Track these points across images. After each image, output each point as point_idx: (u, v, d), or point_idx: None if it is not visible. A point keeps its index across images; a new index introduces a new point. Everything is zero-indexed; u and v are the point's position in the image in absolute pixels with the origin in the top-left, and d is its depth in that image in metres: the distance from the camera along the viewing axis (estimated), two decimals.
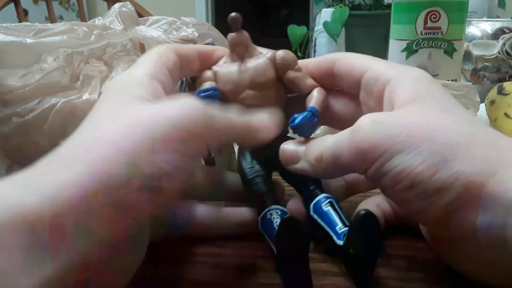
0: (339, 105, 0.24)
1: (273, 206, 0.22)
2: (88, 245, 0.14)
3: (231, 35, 0.23)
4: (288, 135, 0.24)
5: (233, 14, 0.23)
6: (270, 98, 0.23)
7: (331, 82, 0.24)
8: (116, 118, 0.17)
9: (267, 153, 0.23)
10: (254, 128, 0.21)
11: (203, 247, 0.24)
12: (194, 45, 0.23)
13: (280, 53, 0.23)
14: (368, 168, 0.18)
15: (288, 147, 0.22)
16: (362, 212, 0.18)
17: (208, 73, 0.24)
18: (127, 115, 0.17)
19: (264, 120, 0.21)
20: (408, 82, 0.20)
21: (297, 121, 0.22)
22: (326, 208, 0.22)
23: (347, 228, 0.20)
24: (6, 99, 0.30)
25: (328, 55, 0.24)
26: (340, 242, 0.20)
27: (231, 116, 0.20)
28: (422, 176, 0.17)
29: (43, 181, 0.14)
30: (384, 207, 0.24)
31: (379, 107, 0.21)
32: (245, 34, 0.23)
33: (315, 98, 0.23)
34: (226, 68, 0.23)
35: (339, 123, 0.25)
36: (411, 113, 0.19)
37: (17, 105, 0.30)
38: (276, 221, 0.21)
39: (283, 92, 0.24)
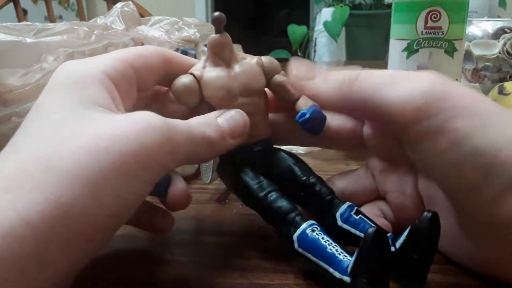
0: (337, 121, 0.23)
1: (310, 222, 0.19)
2: (48, 275, 0.14)
3: (214, 36, 0.21)
4: (275, 146, 0.23)
5: (216, 13, 0.21)
6: (261, 106, 0.22)
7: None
8: (73, 135, 0.16)
9: (259, 168, 0.21)
10: (227, 133, 0.20)
11: (204, 247, 0.24)
12: (156, 47, 0.21)
13: (266, 58, 0.22)
14: (419, 121, 0.18)
15: (296, 65, 0.22)
16: (428, 214, 0.17)
17: (187, 79, 0.21)
18: (84, 133, 0.16)
19: (236, 120, 0.20)
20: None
21: (308, 114, 0.21)
22: (358, 216, 0.20)
23: (390, 233, 0.19)
24: (6, 98, 0.30)
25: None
26: (392, 248, 0.18)
27: (196, 129, 0.19)
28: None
29: None
30: (388, 213, 0.23)
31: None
32: (229, 36, 0.22)
33: (309, 100, 0.22)
34: (213, 73, 0.21)
35: (337, 143, 0.24)
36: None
37: (17, 104, 0.30)
38: (323, 237, 0.18)
39: (267, 99, 0.23)
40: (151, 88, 0.22)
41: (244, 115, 0.21)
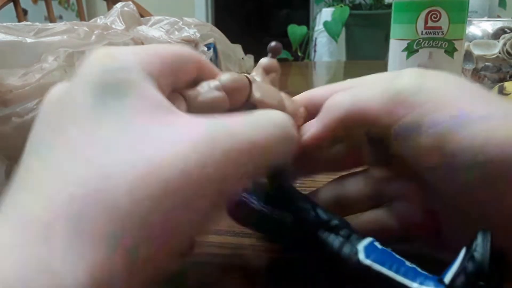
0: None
1: (368, 237, 0.17)
2: None
3: (273, 60, 0.23)
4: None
5: (274, 43, 0.23)
6: None
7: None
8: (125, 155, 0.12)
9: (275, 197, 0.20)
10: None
11: (204, 247, 0.24)
12: (191, 50, 0.19)
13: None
14: (395, 121, 0.17)
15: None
16: (483, 235, 0.14)
17: (240, 75, 0.20)
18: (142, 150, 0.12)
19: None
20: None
21: None
22: (385, 247, 0.17)
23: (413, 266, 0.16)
24: (6, 98, 0.30)
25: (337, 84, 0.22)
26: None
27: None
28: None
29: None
30: (389, 221, 0.21)
31: None
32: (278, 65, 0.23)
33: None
34: (263, 82, 0.22)
35: (329, 165, 0.22)
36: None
37: (17, 104, 0.30)
38: (387, 248, 0.17)
39: None
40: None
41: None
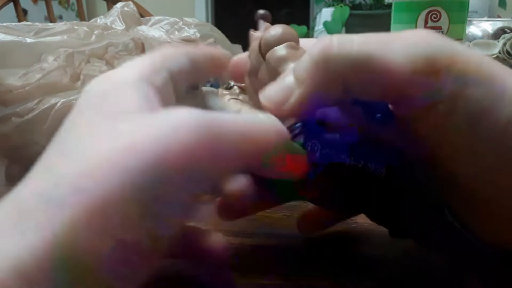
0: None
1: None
2: None
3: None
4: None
5: (262, 11, 0.22)
6: None
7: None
8: (86, 153, 0.13)
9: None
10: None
11: None
12: (185, 48, 0.19)
13: None
14: (421, 91, 0.14)
15: (272, 89, 0.16)
16: None
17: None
18: (100, 148, 0.13)
19: None
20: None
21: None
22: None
23: None
24: (6, 98, 0.30)
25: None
26: None
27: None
28: None
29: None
30: None
31: None
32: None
33: None
34: None
35: None
36: None
37: (17, 105, 0.30)
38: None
39: None
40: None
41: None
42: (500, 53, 0.54)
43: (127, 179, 0.12)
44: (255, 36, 0.19)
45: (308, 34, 1.48)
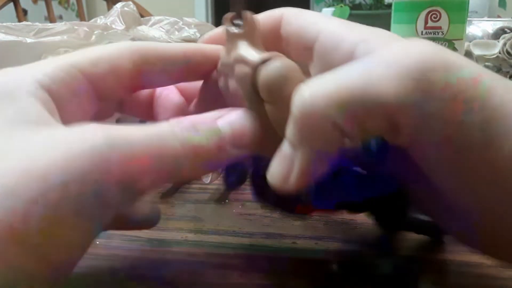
0: None
1: None
2: None
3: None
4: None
5: None
6: None
7: (277, 46, 0.18)
8: None
9: None
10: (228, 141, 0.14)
11: (205, 247, 0.24)
12: (129, 45, 0.17)
13: None
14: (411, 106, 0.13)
15: (273, 169, 0.14)
16: None
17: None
18: None
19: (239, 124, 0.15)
20: (383, 42, 0.15)
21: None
22: None
23: None
24: None
25: (273, 11, 0.18)
26: None
27: (175, 136, 0.13)
28: None
29: None
30: None
31: None
32: None
33: None
34: None
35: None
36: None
37: None
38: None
39: None
40: (123, 94, 0.18)
41: (254, 118, 0.15)
42: (500, 53, 0.54)
43: (19, 207, 0.11)
44: (243, 55, 0.15)
45: None
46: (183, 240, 0.24)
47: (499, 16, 0.82)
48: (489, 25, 0.56)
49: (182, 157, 0.13)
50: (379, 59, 0.13)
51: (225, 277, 0.21)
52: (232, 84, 0.16)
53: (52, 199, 0.11)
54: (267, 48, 0.16)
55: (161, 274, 0.21)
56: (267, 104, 0.14)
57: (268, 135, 0.15)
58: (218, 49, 0.18)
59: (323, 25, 0.16)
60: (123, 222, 0.19)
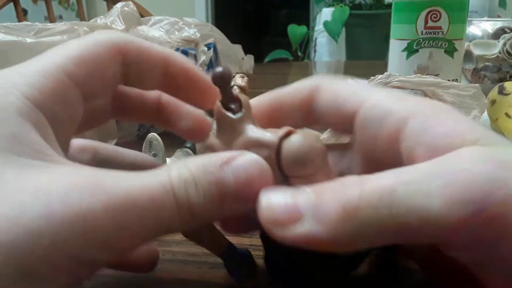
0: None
1: None
2: None
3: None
4: None
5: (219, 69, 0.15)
6: None
7: (310, 119, 0.17)
8: None
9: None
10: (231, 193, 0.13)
11: (204, 248, 0.24)
12: (107, 36, 0.16)
13: None
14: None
15: (276, 197, 0.12)
16: None
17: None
18: None
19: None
20: (437, 122, 0.13)
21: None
22: None
23: None
24: None
25: (304, 82, 0.17)
26: None
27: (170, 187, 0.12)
28: None
29: None
30: None
31: (390, 158, 0.14)
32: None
33: None
34: None
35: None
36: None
37: None
38: None
39: None
40: (108, 93, 0.17)
41: (263, 164, 0.13)
42: (500, 53, 0.54)
43: None
44: (258, 136, 0.14)
45: (308, 34, 1.48)
46: (183, 240, 0.24)
47: (499, 16, 0.82)
48: (489, 25, 0.56)
49: (175, 216, 0.12)
50: (445, 180, 0.11)
51: (225, 277, 0.21)
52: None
53: (27, 259, 0.10)
54: (305, 120, 0.17)
55: (161, 273, 0.21)
56: (293, 179, 0.13)
57: None
58: (198, 69, 0.17)
59: (366, 95, 0.15)
60: (115, 265, 0.19)
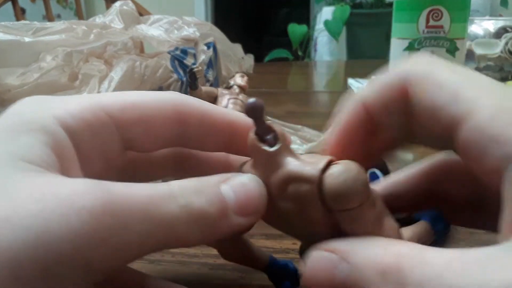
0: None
1: None
2: None
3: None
4: None
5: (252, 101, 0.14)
6: None
7: (407, 122, 0.13)
8: None
9: None
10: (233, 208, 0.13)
11: (204, 248, 0.23)
12: (171, 96, 0.16)
13: None
14: None
15: (319, 254, 0.13)
16: None
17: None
18: None
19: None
20: None
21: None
22: None
23: None
24: (4, 98, 0.30)
25: (390, 74, 0.14)
26: None
27: (177, 201, 0.12)
28: None
29: None
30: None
31: (494, 187, 0.11)
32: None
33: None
34: None
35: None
36: None
37: None
38: None
39: None
40: (158, 147, 0.16)
41: (260, 183, 0.14)
42: (502, 52, 0.53)
43: None
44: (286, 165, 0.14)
45: (309, 33, 1.48)
46: None
47: (501, 15, 0.81)
48: (491, 24, 0.56)
49: (179, 222, 0.12)
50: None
51: (225, 277, 0.20)
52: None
53: (20, 270, 0.10)
54: (403, 126, 0.13)
55: (161, 273, 0.21)
56: (338, 213, 0.13)
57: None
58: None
59: (469, 105, 0.11)
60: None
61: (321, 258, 0.12)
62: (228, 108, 0.17)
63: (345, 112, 0.15)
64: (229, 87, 0.40)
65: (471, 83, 0.12)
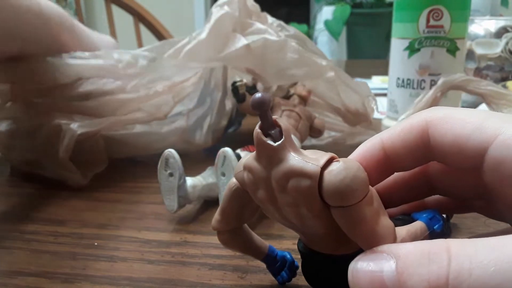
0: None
1: None
2: None
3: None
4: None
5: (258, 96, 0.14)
6: None
7: (426, 159, 0.15)
8: None
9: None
10: None
11: (204, 248, 0.23)
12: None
13: None
14: None
15: (362, 264, 0.12)
16: None
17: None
18: None
19: None
20: None
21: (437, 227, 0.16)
22: None
23: None
24: None
25: (412, 119, 0.15)
26: None
27: None
28: None
29: None
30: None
31: None
32: None
33: None
34: None
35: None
36: None
37: None
38: None
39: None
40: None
41: None
42: (502, 52, 0.53)
43: None
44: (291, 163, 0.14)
45: (309, 33, 1.48)
46: (182, 241, 0.24)
47: (501, 15, 0.81)
48: (492, 24, 0.56)
49: None
50: None
51: (225, 277, 0.20)
52: (262, 194, 0.15)
53: None
54: (419, 161, 0.15)
55: (161, 273, 0.21)
56: (335, 209, 0.13)
57: (338, 237, 0.14)
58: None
59: (492, 132, 0.13)
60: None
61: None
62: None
63: (363, 147, 0.16)
64: (288, 97, 0.38)
65: (492, 116, 0.13)
